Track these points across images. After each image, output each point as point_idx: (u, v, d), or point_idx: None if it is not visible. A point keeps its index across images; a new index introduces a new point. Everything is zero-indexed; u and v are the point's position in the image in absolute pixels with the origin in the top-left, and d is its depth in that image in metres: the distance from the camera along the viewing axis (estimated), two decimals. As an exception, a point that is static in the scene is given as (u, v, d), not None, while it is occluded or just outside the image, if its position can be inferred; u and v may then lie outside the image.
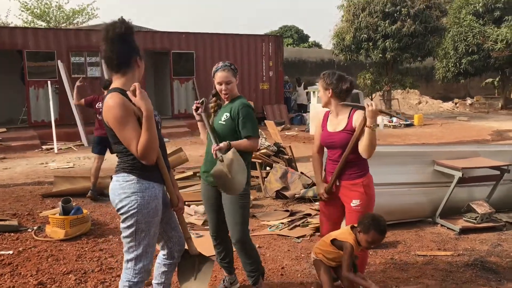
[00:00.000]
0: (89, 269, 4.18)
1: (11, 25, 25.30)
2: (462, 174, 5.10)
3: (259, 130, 7.83)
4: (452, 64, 22.45)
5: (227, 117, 3.39)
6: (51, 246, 4.79)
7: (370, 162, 5.48)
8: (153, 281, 3.08)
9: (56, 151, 12.00)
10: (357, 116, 3.29)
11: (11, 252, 4.60)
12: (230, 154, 3.18)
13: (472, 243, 4.87)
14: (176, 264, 3.07)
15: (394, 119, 17.25)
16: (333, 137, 3.40)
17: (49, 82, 13.40)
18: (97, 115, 6.96)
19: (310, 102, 16.95)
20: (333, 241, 3.08)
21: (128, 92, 2.57)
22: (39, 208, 6.32)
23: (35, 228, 5.36)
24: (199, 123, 3.57)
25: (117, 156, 2.72)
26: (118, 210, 2.66)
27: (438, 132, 15.42)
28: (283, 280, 3.95)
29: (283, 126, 16.46)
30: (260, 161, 7.11)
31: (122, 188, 2.63)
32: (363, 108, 3.20)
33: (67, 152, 11.90)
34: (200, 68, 16.24)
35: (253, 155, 7.12)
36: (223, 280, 3.73)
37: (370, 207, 3.38)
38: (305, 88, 19.31)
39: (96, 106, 7.07)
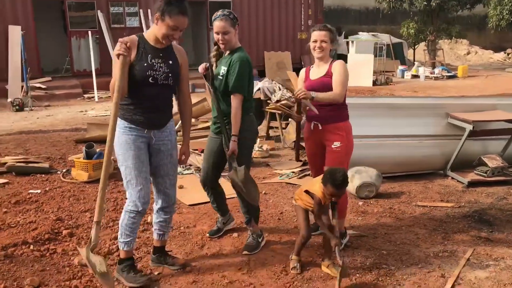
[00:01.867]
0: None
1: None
2: (473, 127, 5.05)
3: (279, 81, 7.90)
4: (507, 12, 21.10)
5: (224, 71, 3.42)
6: (74, 187, 5.22)
7: (382, 113, 5.55)
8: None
9: (96, 99, 12.54)
10: (336, 65, 3.53)
11: (39, 191, 5.05)
12: (242, 173, 3.34)
13: (478, 196, 4.88)
14: (166, 213, 3.23)
15: (436, 70, 16.69)
16: (316, 82, 3.55)
17: (89, 32, 13.82)
18: None
19: (348, 52, 16.64)
20: (306, 192, 3.24)
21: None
22: (71, 153, 6.78)
23: (64, 170, 5.81)
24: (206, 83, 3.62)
25: None
26: None
27: (481, 84, 14.86)
28: (278, 224, 4.18)
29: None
30: (279, 112, 7.23)
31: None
32: None
33: (107, 101, 12.40)
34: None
35: (273, 106, 7.26)
36: (217, 221, 3.99)
37: (349, 152, 3.59)
38: (345, 37, 18.88)
39: None
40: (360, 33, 20.09)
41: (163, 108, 3.06)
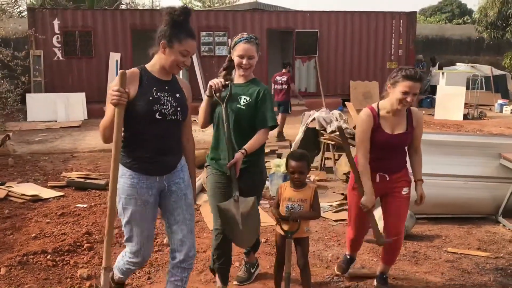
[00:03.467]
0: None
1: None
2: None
3: (342, 111, 7.76)
4: None
5: (247, 101, 3.10)
6: (118, 204, 5.57)
7: (428, 150, 5.31)
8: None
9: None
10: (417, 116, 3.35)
11: (85, 205, 5.48)
12: (249, 203, 2.93)
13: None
14: (183, 270, 2.77)
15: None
16: (395, 139, 3.27)
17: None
18: None
19: (439, 84, 15.83)
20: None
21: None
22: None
23: (116, 188, 6.23)
24: (204, 103, 3.18)
25: None
26: None
27: None
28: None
29: (408, 108, 15.67)
30: (333, 142, 7.11)
31: None
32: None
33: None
34: (323, 46, 16.24)
35: (328, 137, 7.16)
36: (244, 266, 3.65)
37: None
38: (440, 68, 18.00)
39: None
40: (458, 64, 19.02)
41: (174, 148, 2.73)
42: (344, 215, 5.27)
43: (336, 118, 7.53)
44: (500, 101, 16.29)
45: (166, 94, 2.64)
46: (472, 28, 23.20)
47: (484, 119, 14.15)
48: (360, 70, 16.83)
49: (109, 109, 2.52)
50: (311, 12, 16.27)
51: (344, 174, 6.75)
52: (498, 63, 19.88)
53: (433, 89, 18.52)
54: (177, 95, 2.69)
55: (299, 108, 15.73)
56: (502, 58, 19.29)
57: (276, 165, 6.46)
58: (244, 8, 17.75)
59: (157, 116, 2.57)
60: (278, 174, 6.10)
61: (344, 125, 7.33)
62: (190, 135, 2.90)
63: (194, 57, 14.86)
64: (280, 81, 10.21)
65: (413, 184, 3.38)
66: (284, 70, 10.53)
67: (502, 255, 4.20)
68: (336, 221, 5.07)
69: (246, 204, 2.93)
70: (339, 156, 7.10)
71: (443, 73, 15.81)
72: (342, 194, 6.02)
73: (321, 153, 7.51)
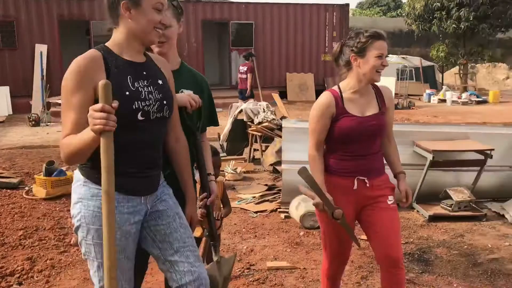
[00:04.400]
0: (44, 227, 4.55)
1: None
2: (433, 157, 4.71)
3: (266, 102, 7.75)
4: (550, 35, 20.12)
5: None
6: (29, 204, 5.26)
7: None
8: None
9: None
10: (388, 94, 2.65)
11: (-8, 206, 5.14)
12: (230, 264, 2.46)
13: (434, 231, 4.52)
14: None
15: (464, 95, 16.01)
16: (368, 122, 2.50)
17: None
18: None
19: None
20: None
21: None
22: (51, 169, 6.90)
23: (31, 187, 5.90)
24: None
25: None
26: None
27: (510, 111, 14.05)
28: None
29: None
30: (260, 134, 7.08)
31: (73, 190, 1.94)
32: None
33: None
34: (259, 38, 16.24)
35: (255, 128, 7.12)
36: None
37: None
38: (372, 60, 18.50)
39: None
40: (390, 55, 19.62)
41: (160, 156, 2.00)
42: (265, 206, 5.26)
43: (264, 109, 7.50)
44: (429, 91, 17.00)
45: (145, 82, 1.89)
46: (403, 21, 24.08)
47: (413, 109, 14.69)
48: (296, 62, 16.99)
49: (85, 133, 1.68)
50: (246, 3, 16.22)
51: (271, 164, 6.74)
52: (427, 55, 20.74)
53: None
54: (160, 82, 1.94)
55: (235, 101, 15.72)
56: (430, 50, 20.10)
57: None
58: (178, -1, 17.41)
59: (139, 117, 1.84)
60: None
61: (271, 117, 7.32)
62: (179, 132, 2.12)
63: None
64: (242, 71, 11.21)
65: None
66: (246, 62, 11.40)
67: (412, 240, 4.31)
68: (256, 212, 5.03)
69: (228, 266, 2.44)
70: (266, 147, 7.08)
71: (374, 64, 16.27)
72: (266, 185, 6.00)
73: (250, 144, 7.48)
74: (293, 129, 5.08)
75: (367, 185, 2.50)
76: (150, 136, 1.91)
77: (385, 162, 2.65)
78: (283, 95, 15.79)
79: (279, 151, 6.87)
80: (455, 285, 3.43)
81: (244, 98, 10.83)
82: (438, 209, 4.92)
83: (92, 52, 1.83)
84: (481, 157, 4.90)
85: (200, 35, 15.69)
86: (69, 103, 1.76)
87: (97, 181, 1.76)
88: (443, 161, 4.89)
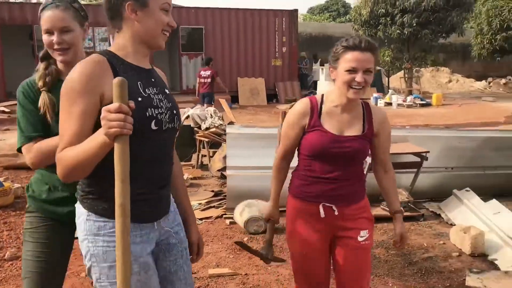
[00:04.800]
0: None
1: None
2: (365, 161, 4.87)
3: (214, 108, 7.76)
4: (487, 41, 21.14)
5: None
6: (-37, 216, 5.03)
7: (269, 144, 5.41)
8: None
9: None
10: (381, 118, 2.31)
11: None
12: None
13: (374, 232, 4.64)
14: None
15: (409, 98, 16.58)
16: (343, 143, 2.18)
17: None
18: None
19: (319, 80, 16.62)
20: None
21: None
22: (-10, 180, 6.62)
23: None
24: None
25: None
26: None
27: (452, 113, 14.70)
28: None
29: (293, 104, 16.24)
30: (207, 139, 7.07)
31: (77, 227, 1.72)
32: None
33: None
34: (210, 43, 16.23)
35: (202, 134, 7.11)
36: None
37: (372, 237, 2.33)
38: (321, 64, 18.87)
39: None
40: (339, 60, 20.10)
41: (170, 175, 1.83)
42: (211, 212, 5.26)
43: (211, 114, 7.50)
44: (375, 94, 17.49)
45: (155, 90, 1.72)
46: (351, 26, 24.72)
47: (360, 112, 15.06)
48: (247, 67, 17.09)
49: (92, 139, 1.50)
50: (196, 8, 16.19)
51: (218, 170, 6.74)
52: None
53: (315, 85, 19.41)
54: (167, 91, 1.80)
55: (188, 106, 15.65)
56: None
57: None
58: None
59: (153, 126, 1.65)
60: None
61: (218, 122, 7.33)
62: (174, 153, 1.90)
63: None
64: (204, 75, 11.47)
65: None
66: (207, 67, 11.79)
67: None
68: (201, 219, 5.02)
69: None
70: (213, 153, 7.08)
71: (322, 68, 16.60)
72: (213, 191, 6.00)
73: (197, 150, 7.45)
74: (237, 134, 5.11)
75: (336, 213, 2.19)
76: (162, 149, 1.73)
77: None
78: (234, 99, 15.86)
79: (225, 157, 6.90)
80: (390, 284, 3.56)
81: (210, 102, 11.13)
82: (378, 211, 5.07)
83: (95, 56, 1.64)
84: (418, 159, 5.10)
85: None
86: (70, 112, 1.56)
87: (103, 213, 1.62)
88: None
